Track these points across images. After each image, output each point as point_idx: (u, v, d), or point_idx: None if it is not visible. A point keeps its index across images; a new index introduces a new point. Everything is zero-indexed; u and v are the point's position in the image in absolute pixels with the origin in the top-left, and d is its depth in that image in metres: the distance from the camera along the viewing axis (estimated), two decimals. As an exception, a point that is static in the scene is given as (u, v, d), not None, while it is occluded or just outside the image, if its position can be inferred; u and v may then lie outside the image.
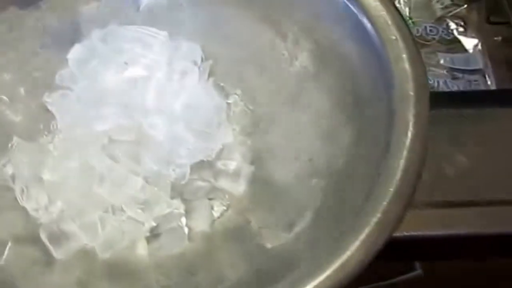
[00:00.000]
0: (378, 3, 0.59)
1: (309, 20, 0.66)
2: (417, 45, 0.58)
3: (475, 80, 0.81)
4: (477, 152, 0.70)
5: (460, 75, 0.81)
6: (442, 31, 0.85)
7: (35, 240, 0.61)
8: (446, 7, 0.87)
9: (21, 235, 0.62)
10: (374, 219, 0.50)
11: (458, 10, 0.87)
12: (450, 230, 0.67)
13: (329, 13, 0.64)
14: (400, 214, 0.51)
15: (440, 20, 0.86)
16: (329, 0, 0.63)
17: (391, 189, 0.51)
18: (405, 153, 0.52)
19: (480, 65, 0.82)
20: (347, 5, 0.61)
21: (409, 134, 0.53)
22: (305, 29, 0.66)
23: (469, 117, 0.73)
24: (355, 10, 0.60)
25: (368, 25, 0.59)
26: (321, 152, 0.63)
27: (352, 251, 0.49)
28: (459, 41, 0.84)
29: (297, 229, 0.59)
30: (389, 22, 0.58)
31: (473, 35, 0.85)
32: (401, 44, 0.57)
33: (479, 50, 0.83)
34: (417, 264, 0.74)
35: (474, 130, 0.72)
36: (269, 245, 0.60)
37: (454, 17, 0.86)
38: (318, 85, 0.66)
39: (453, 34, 0.85)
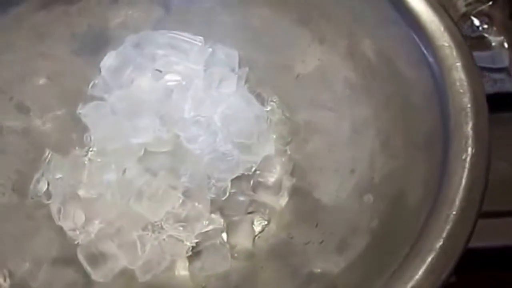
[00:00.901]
0: (428, 8, 0.53)
1: (349, 23, 0.60)
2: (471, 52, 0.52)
3: (501, 79, 0.76)
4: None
5: (485, 73, 0.76)
6: (467, 28, 0.80)
7: (72, 261, 0.56)
8: (469, 3, 0.82)
9: (57, 255, 0.57)
10: (439, 243, 0.44)
11: (483, 7, 0.81)
12: (490, 242, 0.63)
13: (372, 17, 0.58)
14: (467, 236, 0.45)
15: (464, 17, 0.81)
16: (372, 4, 0.57)
17: (454, 212, 0.45)
18: (466, 172, 0.46)
19: (505, 63, 0.77)
20: (392, 9, 0.55)
21: (469, 150, 0.46)
22: (345, 33, 0.61)
23: (505, 120, 0.69)
24: (401, 14, 0.54)
25: (417, 31, 0.53)
26: (367, 166, 0.58)
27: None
28: (484, 38, 0.79)
29: (349, 253, 0.54)
30: (442, 28, 0.52)
31: (498, 32, 0.80)
32: (455, 51, 0.50)
33: (504, 47, 0.78)
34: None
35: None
36: (317, 270, 0.55)
37: (478, 14, 0.81)
38: (360, 93, 0.60)
39: (478, 31, 0.80)
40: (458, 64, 0.50)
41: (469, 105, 0.48)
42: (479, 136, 0.47)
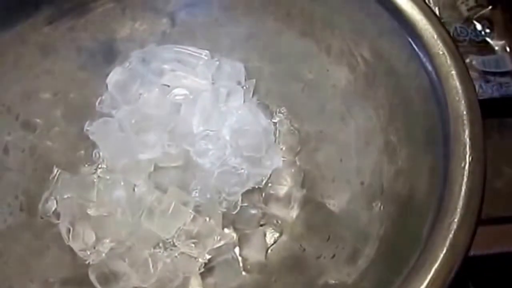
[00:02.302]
0: (422, 16, 0.50)
1: (352, 34, 0.56)
2: (463, 59, 0.49)
3: (506, 83, 0.73)
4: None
5: (491, 77, 0.73)
6: (471, 33, 0.77)
7: (82, 281, 0.53)
8: (471, 8, 0.79)
9: (67, 276, 0.54)
10: (442, 252, 0.42)
11: (483, 11, 0.78)
12: (503, 248, 0.60)
13: (372, 27, 0.54)
14: (468, 242, 0.43)
15: (468, 21, 0.78)
16: (372, 14, 0.53)
17: (456, 220, 0.43)
18: (465, 179, 0.44)
19: (509, 67, 0.74)
20: (391, 18, 0.52)
21: (467, 158, 0.44)
22: (349, 43, 0.57)
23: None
24: (399, 23, 0.51)
25: (414, 39, 0.50)
26: (375, 174, 0.55)
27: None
28: (487, 43, 0.76)
29: (361, 262, 0.51)
30: (435, 36, 0.49)
31: (499, 36, 0.77)
32: (449, 60, 0.48)
33: (506, 51, 0.75)
34: (470, 282, 0.66)
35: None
36: (331, 281, 0.52)
37: (480, 18, 0.78)
38: (365, 102, 0.57)
39: (481, 35, 0.77)
40: (453, 72, 0.48)
41: (464, 113, 0.46)
42: (475, 143, 0.45)
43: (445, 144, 0.46)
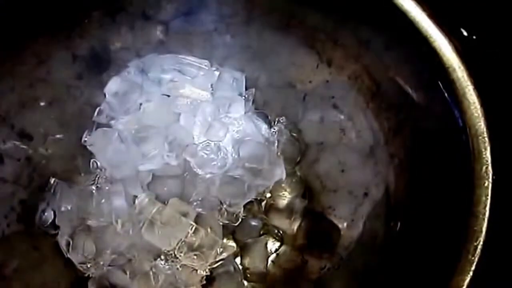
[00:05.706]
0: (437, 30, 0.46)
1: (356, 46, 0.54)
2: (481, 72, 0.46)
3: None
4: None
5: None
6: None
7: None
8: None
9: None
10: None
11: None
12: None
13: (378, 40, 0.52)
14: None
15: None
16: (377, 25, 0.51)
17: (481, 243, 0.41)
18: (489, 200, 0.41)
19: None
20: (399, 31, 0.48)
21: (491, 177, 0.42)
22: (352, 56, 0.55)
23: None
24: (408, 36, 0.47)
25: (426, 53, 0.46)
26: (380, 187, 0.53)
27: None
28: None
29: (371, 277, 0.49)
30: (450, 49, 0.45)
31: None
32: (465, 73, 0.44)
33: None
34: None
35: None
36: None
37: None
38: (370, 116, 0.55)
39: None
40: (471, 87, 0.44)
41: (485, 130, 0.43)
42: (498, 161, 0.42)
43: (465, 164, 0.43)
